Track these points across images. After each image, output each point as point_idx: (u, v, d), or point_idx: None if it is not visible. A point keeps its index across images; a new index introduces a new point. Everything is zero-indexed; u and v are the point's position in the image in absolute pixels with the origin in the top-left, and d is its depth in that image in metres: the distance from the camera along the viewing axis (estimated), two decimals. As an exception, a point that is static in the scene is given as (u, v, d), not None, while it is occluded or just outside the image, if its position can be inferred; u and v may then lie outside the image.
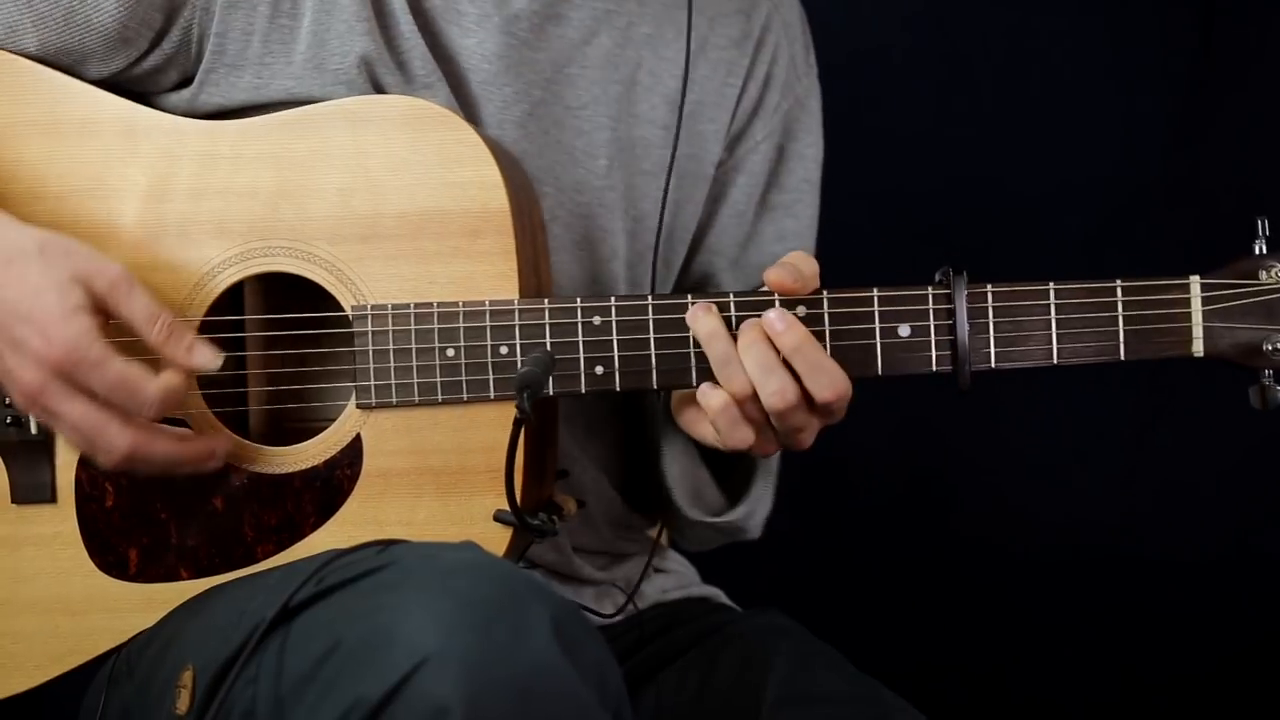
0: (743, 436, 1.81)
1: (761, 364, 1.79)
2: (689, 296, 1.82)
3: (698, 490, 1.98)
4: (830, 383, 1.80)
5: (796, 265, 1.82)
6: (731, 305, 1.82)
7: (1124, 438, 3.20)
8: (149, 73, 1.89)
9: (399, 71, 1.90)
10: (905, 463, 3.17)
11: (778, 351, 1.79)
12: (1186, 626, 3.21)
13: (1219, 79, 3.16)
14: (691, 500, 1.98)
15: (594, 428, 2.05)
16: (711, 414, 1.81)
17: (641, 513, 2.14)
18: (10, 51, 1.86)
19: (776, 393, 1.78)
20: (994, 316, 1.81)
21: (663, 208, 2.00)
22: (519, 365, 1.80)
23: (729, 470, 2.02)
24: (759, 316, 1.80)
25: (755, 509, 2.02)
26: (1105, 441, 3.20)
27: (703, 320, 1.81)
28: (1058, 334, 1.81)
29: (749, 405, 1.80)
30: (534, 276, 1.85)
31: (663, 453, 1.97)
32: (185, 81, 1.90)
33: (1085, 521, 3.21)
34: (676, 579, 2.19)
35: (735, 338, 1.80)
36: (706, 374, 1.82)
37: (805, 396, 1.80)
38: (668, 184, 2.00)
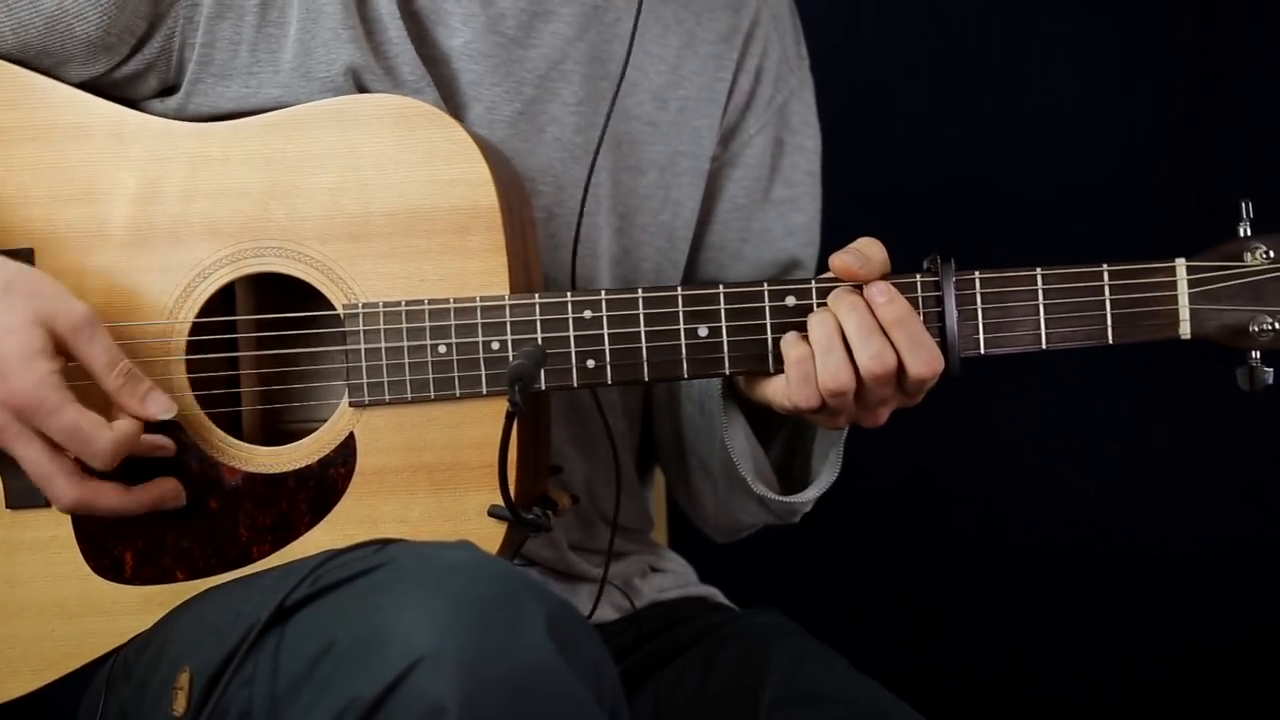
0: (809, 394, 1.80)
1: (861, 327, 1.79)
2: (678, 288, 1.82)
3: (758, 467, 1.97)
4: (928, 358, 1.79)
5: (863, 251, 1.82)
6: (721, 297, 1.82)
7: (1123, 435, 3.20)
8: (128, 78, 1.89)
9: (387, 78, 1.91)
10: (904, 461, 3.17)
11: (876, 319, 1.79)
12: (1186, 623, 3.21)
13: (1219, 79, 3.16)
14: (757, 475, 1.96)
15: (588, 427, 2.06)
16: (788, 362, 1.80)
17: (688, 506, 2.15)
18: None
19: (875, 356, 1.78)
20: (982, 303, 1.82)
21: (585, 191, 1.97)
22: (510, 360, 1.80)
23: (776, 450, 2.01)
24: (850, 287, 1.81)
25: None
26: (1104, 439, 3.21)
27: (797, 336, 1.81)
28: (1045, 319, 1.81)
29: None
30: (524, 272, 1.86)
31: (725, 429, 1.94)
32: (166, 88, 1.91)
33: (1085, 519, 3.21)
34: (674, 578, 2.18)
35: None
36: (698, 365, 1.82)
37: (899, 368, 1.80)
38: (593, 165, 1.97)
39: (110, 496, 1.78)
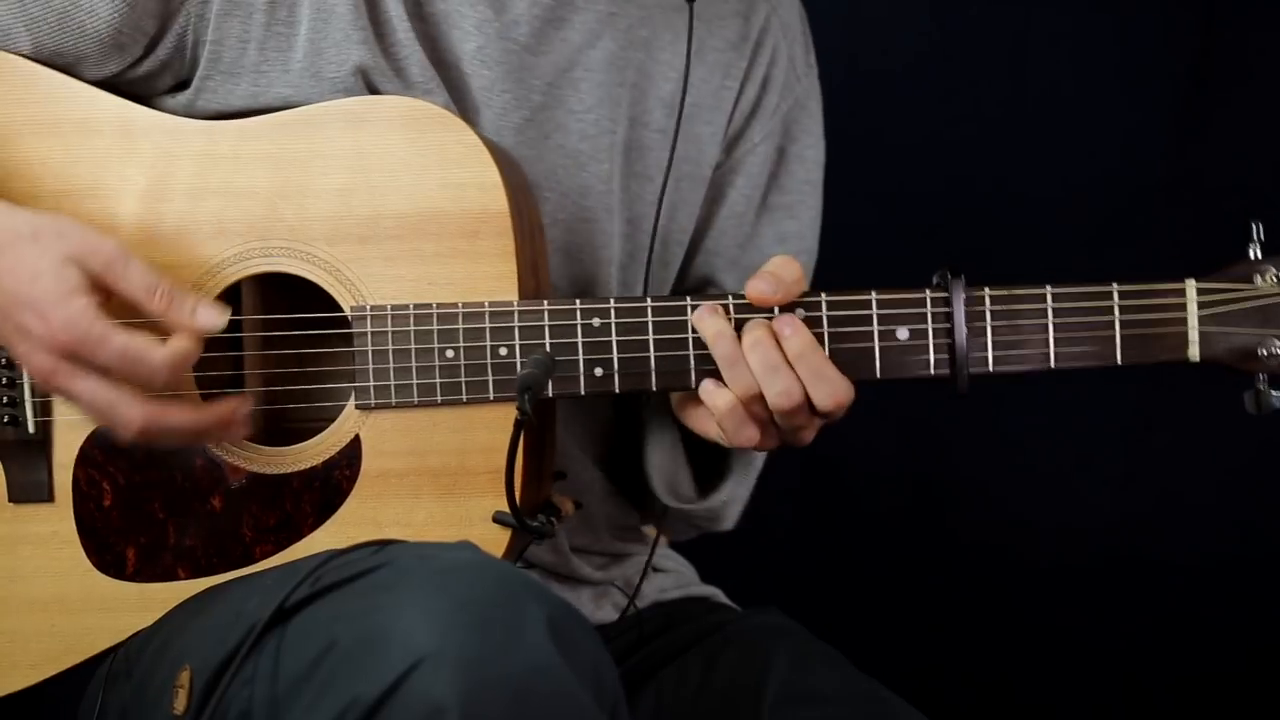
0: (749, 435, 1.82)
1: (766, 364, 1.80)
2: (687, 298, 1.82)
3: (674, 480, 1.99)
4: (832, 391, 1.81)
5: (776, 274, 1.82)
6: (730, 308, 1.82)
7: (1125, 440, 3.20)
8: (144, 77, 1.89)
9: (397, 79, 1.90)
10: (905, 462, 3.18)
11: (783, 353, 1.80)
12: (1187, 629, 3.21)
13: (1219, 79, 3.16)
14: (668, 489, 1.99)
15: (592, 429, 2.06)
16: (718, 414, 1.82)
17: (638, 509, 2.15)
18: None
19: (782, 393, 1.79)
20: (991, 320, 1.82)
21: (658, 211, 2.00)
22: (519, 367, 1.80)
23: (710, 461, 2.02)
24: (764, 318, 1.81)
25: (730, 501, 2.03)
26: (1106, 444, 3.21)
27: (709, 321, 1.81)
28: (1055, 338, 1.82)
29: (754, 405, 1.81)
30: (533, 278, 1.86)
31: (646, 440, 1.97)
32: (180, 85, 1.91)
33: (1086, 523, 3.21)
34: (676, 578, 2.19)
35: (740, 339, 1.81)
36: (706, 375, 1.82)
37: (808, 399, 1.81)
38: (664, 188, 1.99)
39: (178, 413, 1.74)
